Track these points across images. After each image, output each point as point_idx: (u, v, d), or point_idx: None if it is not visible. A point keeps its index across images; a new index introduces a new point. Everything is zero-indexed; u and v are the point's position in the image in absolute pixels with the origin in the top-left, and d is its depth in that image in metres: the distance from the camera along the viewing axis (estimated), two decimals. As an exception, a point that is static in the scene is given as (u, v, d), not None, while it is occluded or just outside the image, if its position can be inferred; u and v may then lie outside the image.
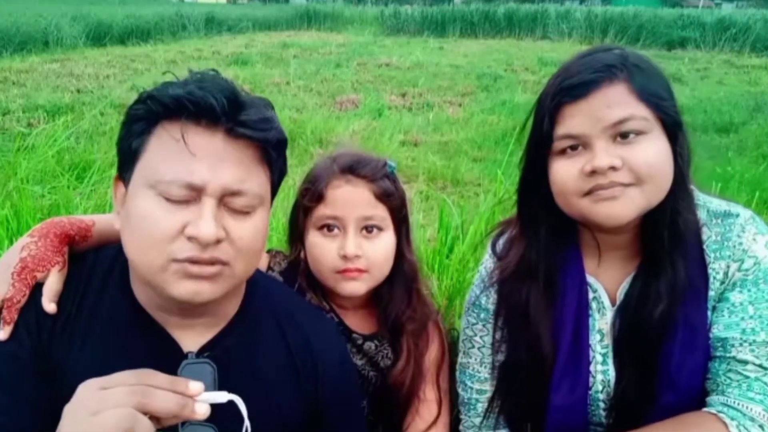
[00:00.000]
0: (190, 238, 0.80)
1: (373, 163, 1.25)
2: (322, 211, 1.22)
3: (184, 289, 0.82)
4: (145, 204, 0.82)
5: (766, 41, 15.10)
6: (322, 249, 1.23)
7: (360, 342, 1.31)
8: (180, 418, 0.70)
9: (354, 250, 1.20)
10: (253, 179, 0.86)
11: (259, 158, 0.88)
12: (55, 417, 0.71)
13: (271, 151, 0.88)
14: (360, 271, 1.22)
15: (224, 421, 0.91)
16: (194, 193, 0.81)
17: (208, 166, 0.82)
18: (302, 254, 1.30)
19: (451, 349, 1.57)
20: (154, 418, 0.68)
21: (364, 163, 1.24)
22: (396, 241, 1.28)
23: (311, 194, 1.22)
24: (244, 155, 0.85)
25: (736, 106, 7.86)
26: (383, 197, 1.23)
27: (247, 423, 0.78)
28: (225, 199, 0.84)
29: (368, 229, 1.23)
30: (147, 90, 0.87)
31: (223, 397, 0.75)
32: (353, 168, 1.22)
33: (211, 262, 0.82)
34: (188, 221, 0.81)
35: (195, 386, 0.72)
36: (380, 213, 1.24)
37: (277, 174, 0.94)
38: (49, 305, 0.90)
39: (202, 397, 0.72)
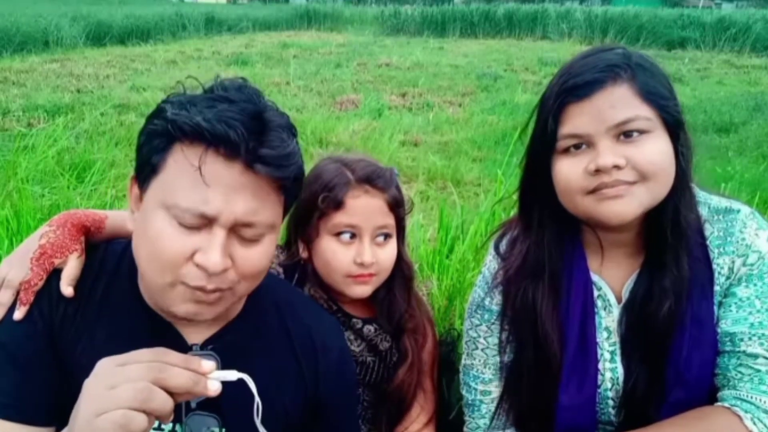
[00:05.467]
0: (198, 265, 0.82)
1: (385, 173, 1.30)
2: (340, 219, 1.25)
3: (186, 309, 0.86)
4: (159, 224, 0.83)
5: (766, 41, 15.12)
6: (338, 255, 1.27)
7: (359, 326, 1.34)
8: (193, 394, 0.72)
9: (371, 259, 1.25)
10: (267, 210, 0.86)
11: (276, 189, 0.87)
12: (63, 403, 0.73)
13: (290, 186, 0.88)
14: (371, 275, 1.28)
15: (228, 415, 0.94)
16: (206, 221, 0.82)
17: (223, 197, 0.81)
18: (301, 252, 1.33)
19: (451, 349, 1.59)
20: (168, 395, 0.70)
21: (379, 174, 1.28)
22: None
23: (330, 201, 1.25)
24: (261, 187, 0.84)
25: (736, 106, 7.87)
26: (395, 207, 1.29)
27: (257, 400, 0.80)
28: (236, 228, 0.84)
29: (380, 236, 1.28)
30: (169, 97, 0.87)
31: (233, 375, 0.77)
32: (371, 179, 1.26)
33: (215, 290, 0.85)
34: (198, 248, 0.82)
35: (207, 365, 0.74)
36: (391, 222, 1.29)
37: (291, 199, 0.94)
38: (67, 289, 0.92)
39: (213, 375, 0.74)
